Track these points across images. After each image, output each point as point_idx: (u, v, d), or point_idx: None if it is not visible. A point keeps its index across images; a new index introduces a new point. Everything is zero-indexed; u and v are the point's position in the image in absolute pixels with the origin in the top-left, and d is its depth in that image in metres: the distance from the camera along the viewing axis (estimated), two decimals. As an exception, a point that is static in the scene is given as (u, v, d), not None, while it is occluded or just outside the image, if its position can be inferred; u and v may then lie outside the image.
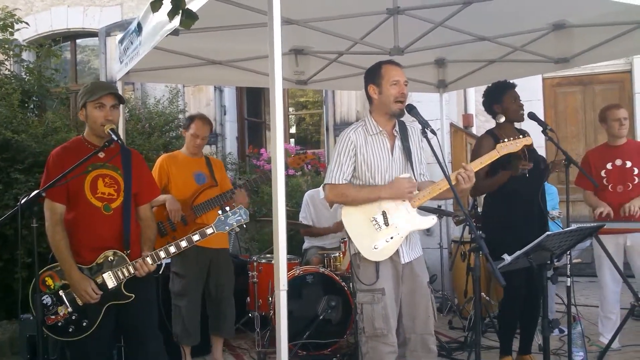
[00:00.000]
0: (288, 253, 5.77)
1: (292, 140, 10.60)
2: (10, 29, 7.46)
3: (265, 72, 5.59)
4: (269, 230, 6.32)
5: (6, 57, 7.50)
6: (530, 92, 8.34)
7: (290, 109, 11.19)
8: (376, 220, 3.34)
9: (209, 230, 3.34)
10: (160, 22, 3.92)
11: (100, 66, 8.68)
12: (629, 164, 4.85)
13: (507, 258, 3.06)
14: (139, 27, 4.51)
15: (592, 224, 3.57)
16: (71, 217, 3.22)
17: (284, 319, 2.58)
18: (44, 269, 3.19)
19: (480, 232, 2.88)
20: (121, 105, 3.45)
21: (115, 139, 3.17)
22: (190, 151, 4.77)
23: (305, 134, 11.13)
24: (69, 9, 9.49)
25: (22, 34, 8.45)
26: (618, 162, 4.88)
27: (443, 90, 6.42)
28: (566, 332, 4.45)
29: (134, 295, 3.25)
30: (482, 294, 5.62)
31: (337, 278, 5.01)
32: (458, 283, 6.12)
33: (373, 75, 3.47)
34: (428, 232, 7.28)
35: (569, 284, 4.13)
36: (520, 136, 3.50)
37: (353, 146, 3.39)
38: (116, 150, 3.31)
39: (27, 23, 7.59)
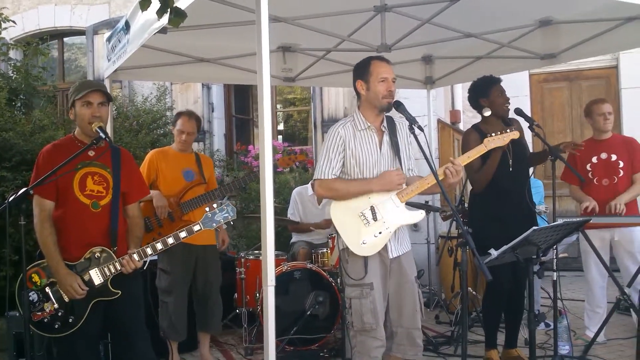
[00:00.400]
0: (276, 249, 5.84)
1: (280, 137, 10.61)
2: (-2, 28, 7.41)
3: (253, 69, 5.67)
4: (257, 227, 6.31)
5: (-6, 56, 7.47)
6: (517, 88, 8.36)
7: (279, 106, 11.19)
8: (364, 216, 3.36)
9: (196, 227, 3.35)
10: (149, 20, 3.93)
11: (88, 64, 8.63)
12: (614, 157, 4.89)
13: (494, 253, 3.09)
14: (127, 25, 4.51)
15: (577, 219, 3.61)
16: (59, 214, 3.22)
17: (271, 314, 2.59)
18: (31, 265, 3.19)
19: (467, 227, 2.91)
20: (110, 103, 3.45)
21: (104, 136, 3.17)
22: (177, 147, 4.78)
23: (293, 131, 11.12)
24: (57, 7, 9.44)
25: (10, 33, 8.39)
26: (603, 155, 4.92)
27: (430, 87, 6.46)
28: (552, 326, 4.49)
29: (120, 292, 3.25)
30: (469, 288, 5.66)
31: (325, 274, 5.04)
32: (445, 278, 6.16)
33: (362, 71, 3.48)
34: (415, 227, 7.31)
35: (554, 278, 4.19)
36: (507, 130, 3.53)
37: (342, 141, 3.41)
38: (105, 149, 3.32)
39: (14, 22, 7.54)
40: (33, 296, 3.15)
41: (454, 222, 5.60)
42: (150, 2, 3.07)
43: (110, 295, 3.24)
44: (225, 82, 8.23)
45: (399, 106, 3.38)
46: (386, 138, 3.49)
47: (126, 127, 6.40)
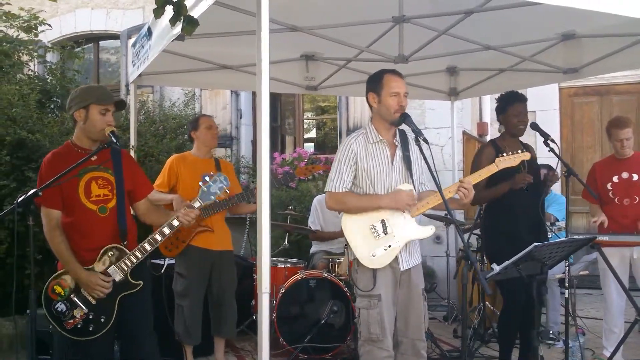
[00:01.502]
0: (295, 257, 5.89)
1: (312, 144, 10.65)
2: (34, 31, 7.63)
3: (275, 77, 5.73)
4: (277, 234, 6.41)
5: (30, 58, 7.68)
6: (547, 101, 8.30)
7: (309, 114, 11.25)
8: (375, 228, 3.38)
9: (196, 204, 3.37)
10: (167, 27, 4.01)
11: (122, 68, 8.83)
12: (635, 177, 4.80)
13: (496, 268, 3.08)
14: (149, 32, 4.62)
15: (584, 236, 3.56)
16: (68, 222, 3.29)
17: (265, 321, 2.63)
18: (51, 278, 3.27)
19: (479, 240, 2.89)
20: (135, 108, 3.49)
21: (115, 141, 3.26)
22: (208, 145, 4.83)
23: (325, 138, 11.16)
24: (93, 11, 9.67)
25: (47, 36, 8.64)
26: (625, 175, 4.83)
27: (455, 98, 6.44)
28: (571, 345, 4.44)
29: (142, 282, 3.33)
30: (487, 303, 5.61)
31: (341, 283, 5.05)
32: (489, 295, 6.09)
33: (374, 84, 3.50)
34: (438, 240, 7.29)
35: (567, 296, 4.14)
36: (519, 151, 3.52)
37: (354, 154, 3.44)
38: (107, 152, 3.36)
39: (49, 25, 7.75)
40: (61, 306, 3.22)
41: (473, 236, 5.56)
42: (164, 10, 3.15)
43: (133, 287, 3.31)
44: (246, 90, 8.30)
45: (406, 118, 3.38)
46: (399, 152, 3.50)
47: (152, 132, 6.52)
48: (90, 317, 3.24)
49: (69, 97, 3.43)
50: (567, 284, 4.08)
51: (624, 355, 4.96)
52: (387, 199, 3.37)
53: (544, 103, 8.29)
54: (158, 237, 3.33)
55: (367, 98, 3.54)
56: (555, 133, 8.35)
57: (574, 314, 5.56)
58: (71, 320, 3.22)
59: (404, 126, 3.50)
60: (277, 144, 9.17)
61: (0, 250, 5.15)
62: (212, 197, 3.39)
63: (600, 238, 4.27)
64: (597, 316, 6.45)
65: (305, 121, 11.02)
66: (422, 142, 3.29)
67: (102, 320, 3.25)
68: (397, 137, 3.53)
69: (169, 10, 3.06)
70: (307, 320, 4.94)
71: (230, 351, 5.19)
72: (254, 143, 8.65)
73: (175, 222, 3.33)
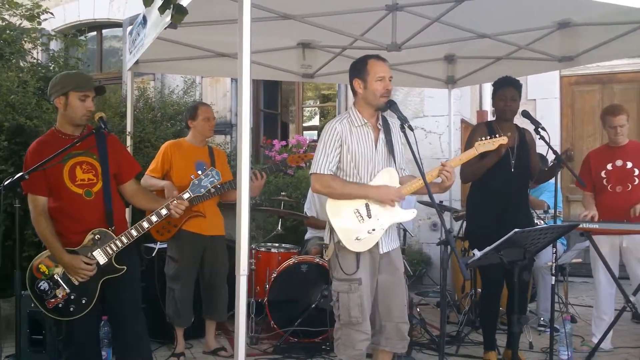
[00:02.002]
0: (290, 243, 5.94)
1: (315, 132, 10.68)
2: (38, 19, 7.69)
3: (272, 65, 5.77)
4: (273, 220, 6.44)
5: (33, 46, 7.74)
6: (547, 90, 8.27)
7: (312, 102, 11.27)
8: (359, 212, 3.43)
9: (186, 195, 3.48)
10: (160, 15, 4.06)
11: (124, 56, 8.88)
12: (629, 164, 4.81)
13: (477, 253, 3.12)
14: (145, 20, 4.66)
15: (566, 223, 3.59)
16: (55, 206, 3.37)
17: (243, 303, 2.68)
18: (36, 257, 3.37)
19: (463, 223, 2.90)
20: (133, 94, 3.50)
21: (104, 127, 3.32)
22: (204, 135, 4.88)
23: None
24: (96, 0, 9.74)
25: (51, 24, 8.69)
26: (618, 162, 4.84)
27: (452, 86, 6.45)
28: (558, 331, 4.49)
29: (125, 267, 3.40)
30: (479, 289, 5.64)
31: (333, 268, 5.10)
32: (457, 278, 6.15)
33: (359, 70, 3.52)
34: (435, 227, 7.34)
35: (553, 283, 4.18)
36: (497, 135, 3.58)
37: (339, 137, 3.46)
38: (91, 137, 3.43)
39: (52, 13, 7.79)
40: (44, 285, 3.31)
41: (464, 222, 5.58)
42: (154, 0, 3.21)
43: (117, 271, 3.39)
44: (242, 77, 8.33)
45: (392, 105, 3.42)
46: (382, 136, 3.54)
47: (150, 119, 6.58)
48: (72, 297, 3.32)
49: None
50: (553, 271, 4.10)
51: (613, 342, 5.00)
52: (375, 191, 3.41)
53: (544, 91, 8.26)
54: (145, 225, 3.41)
55: (351, 85, 3.58)
56: (555, 121, 8.34)
57: (566, 301, 5.62)
58: (53, 300, 3.30)
59: (388, 113, 3.54)
60: (277, 132, 9.22)
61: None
62: (203, 190, 3.51)
63: (583, 225, 4.30)
64: (591, 304, 6.45)
65: (307, 109, 11.05)
66: (407, 129, 3.33)
67: (84, 301, 3.33)
68: (380, 122, 3.57)
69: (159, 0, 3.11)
70: (298, 304, 4.99)
71: (222, 334, 5.26)
72: (253, 130, 8.71)
73: (164, 211, 3.41)
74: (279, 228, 5.67)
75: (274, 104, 9.35)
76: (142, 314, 3.55)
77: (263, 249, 5.52)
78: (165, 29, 3.99)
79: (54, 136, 3.43)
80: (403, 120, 3.35)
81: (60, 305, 3.32)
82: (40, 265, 3.33)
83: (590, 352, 4.63)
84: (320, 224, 6.02)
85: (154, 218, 3.40)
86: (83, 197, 3.37)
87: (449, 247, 3.00)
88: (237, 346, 2.72)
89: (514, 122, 4.53)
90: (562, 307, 5.59)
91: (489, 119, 8.62)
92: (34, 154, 3.34)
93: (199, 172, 3.52)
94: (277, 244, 5.77)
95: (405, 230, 5.79)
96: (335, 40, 5.16)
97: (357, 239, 3.41)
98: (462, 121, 7.64)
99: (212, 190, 3.56)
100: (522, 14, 4.50)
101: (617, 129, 4.83)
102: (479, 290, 5.63)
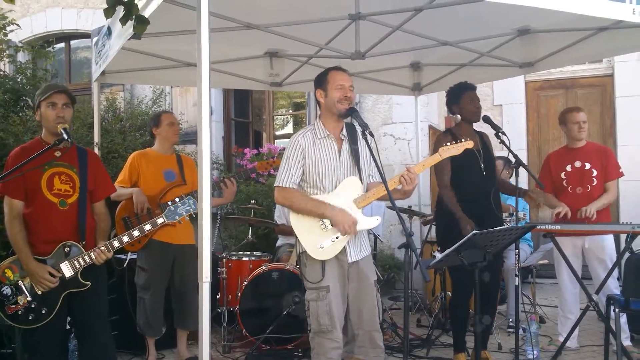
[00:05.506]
0: (262, 251, 5.98)
1: (286, 140, 10.68)
2: (3, 31, 7.62)
3: (240, 74, 5.81)
4: (244, 228, 6.45)
5: (-1, 58, 7.67)
6: (513, 95, 8.43)
7: (284, 110, 11.32)
8: (322, 221, 3.48)
9: (160, 220, 3.54)
10: (124, 26, 4.08)
11: (92, 66, 8.84)
12: (588, 165, 4.92)
13: (438, 255, 3.19)
14: (109, 30, 4.68)
15: (522, 225, 3.68)
16: (29, 212, 3.40)
17: (206, 310, 2.72)
18: (4, 261, 3.37)
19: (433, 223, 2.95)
20: (101, 104, 3.55)
21: (66, 137, 3.34)
22: (170, 141, 4.90)
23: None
24: (64, 10, 9.67)
25: (18, 35, 8.60)
26: (577, 163, 4.95)
27: (418, 93, 6.56)
28: (527, 332, 4.59)
29: (90, 283, 3.42)
30: (449, 292, 5.72)
31: (303, 275, 5.14)
32: (427, 282, 6.22)
33: (320, 81, 3.64)
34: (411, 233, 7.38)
35: (516, 283, 4.27)
36: (461, 140, 3.64)
37: (301, 150, 3.54)
38: (72, 149, 3.51)
39: (18, 25, 7.72)
40: (6, 290, 3.33)
41: (434, 227, 5.67)
42: (115, 10, 3.22)
43: (80, 286, 3.41)
44: (213, 87, 8.34)
45: (353, 112, 3.50)
46: (345, 146, 3.61)
47: (118, 129, 6.57)
48: (33, 306, 3.34)
49: None
50: (516, 272, 4.19)
51: (580, 341, 5.11)
52: (333, 213, 3.43)
53: (510, 97, 8.43)
54: (116, 244, 3.47)
55: (315, 96, 3.67)
56: (522, 126, 8.51)
57: (534, 302, 5.73)
58: (13, 306, 3.32)
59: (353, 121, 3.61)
60: (248, 140, 9.24)
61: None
62: (177, 217, 3.55)
63: (563, 227, 4.41)
64: (555, 304, 6.59)
65: (280, 117, 11.09)
66: (368, 136, 3.40)
67: (43, 312, 3.35)
68: (344, 132, 3.64)
69: (121, 10, 3.13)
70: (269, 312, 5.02)
71: (194, 343, 5.26)
72: (225, 139, 8.73)
73: (126, 239, 3.48)
74: (250, 236, 5.70)
75: (245, 113, 9.37)
76: (109, 327, 3.57)
77: (234, 258, 5.54)
78: (129, 39, 4.03)
79: (38, 144, 3.50)
80: (363, 126, 3.43)
81: (19, 313, 3.33)
82: (6, 270, 3.35)
83: (557, 350, 4.73)
84: (291, 231, 6.04)
85: (125, 238, 3.52)
86: (57, 206, 3.42)
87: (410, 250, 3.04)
88: (201, 349, 2.74)
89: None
90: (530, 307, 5.69)
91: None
92: (15, 158, 3.40)
93: (176, 200, 3.57)
94: (248, 252, 5.80)
95: (376, 236, 5.86)
96: (301, 49, 5.23)
97: (320, 247, 3.47)
98: (430, 127, 7.75)
99: (187, 218, 3.59)
100: (483, 22, 4.60)
101: (580, 124, 4.95)
102: (449, 293, 5.73)
